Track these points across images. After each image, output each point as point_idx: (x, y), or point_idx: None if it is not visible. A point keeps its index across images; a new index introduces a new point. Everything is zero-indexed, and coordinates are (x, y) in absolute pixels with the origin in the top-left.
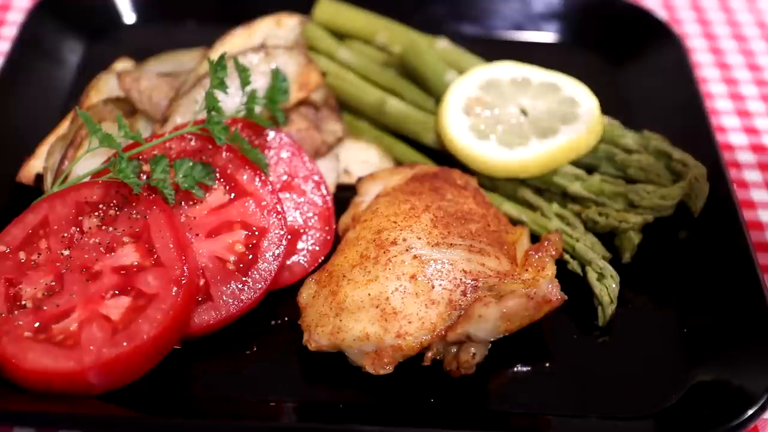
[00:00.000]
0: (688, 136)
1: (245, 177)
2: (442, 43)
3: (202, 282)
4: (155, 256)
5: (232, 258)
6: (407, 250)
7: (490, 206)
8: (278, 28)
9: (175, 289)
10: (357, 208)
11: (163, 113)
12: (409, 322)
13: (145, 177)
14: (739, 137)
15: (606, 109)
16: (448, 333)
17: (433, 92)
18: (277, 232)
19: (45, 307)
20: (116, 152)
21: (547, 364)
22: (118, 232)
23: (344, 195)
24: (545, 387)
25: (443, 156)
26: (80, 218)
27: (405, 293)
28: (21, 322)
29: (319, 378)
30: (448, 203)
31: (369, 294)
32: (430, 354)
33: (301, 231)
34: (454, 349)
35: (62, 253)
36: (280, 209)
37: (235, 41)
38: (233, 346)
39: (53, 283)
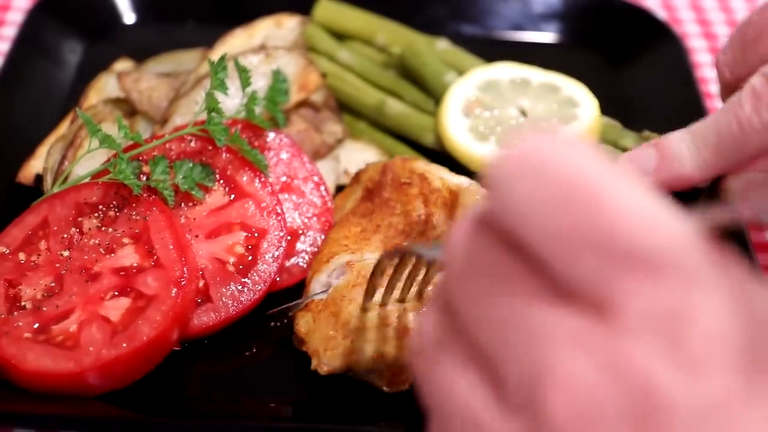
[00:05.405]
0: None
1: (245, 178)
2: (442, 44)
3: (201, 283)
4: (155, 257)
5: (231, 259)
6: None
7: (438, 196)
8: (278, 29)
9: (175, 290)
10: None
11: (163, 114)
12: None
13: (144, 178)
14: None
15: (606, 109)
16: None
17: (432, 93)
18: (276, 233)
19: (44, 308)
20: (116, 153)
21: None
22: (117, 233)
23: None
24: None
25: (443, 157)
26: (80, 219)
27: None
28: (20, 323)
29: (318, 378)
30: (398, 218)
31: (377, 312)
32: None
33: (300, 232)
34: None
35: (62, 254)
36: (279, 210)
37: (235, 42)
38: (233, 347)
39: (53, 284)
